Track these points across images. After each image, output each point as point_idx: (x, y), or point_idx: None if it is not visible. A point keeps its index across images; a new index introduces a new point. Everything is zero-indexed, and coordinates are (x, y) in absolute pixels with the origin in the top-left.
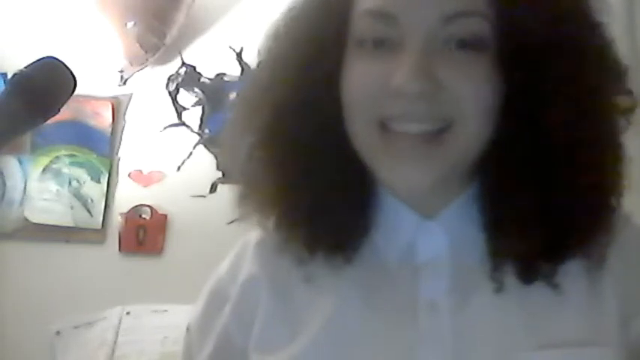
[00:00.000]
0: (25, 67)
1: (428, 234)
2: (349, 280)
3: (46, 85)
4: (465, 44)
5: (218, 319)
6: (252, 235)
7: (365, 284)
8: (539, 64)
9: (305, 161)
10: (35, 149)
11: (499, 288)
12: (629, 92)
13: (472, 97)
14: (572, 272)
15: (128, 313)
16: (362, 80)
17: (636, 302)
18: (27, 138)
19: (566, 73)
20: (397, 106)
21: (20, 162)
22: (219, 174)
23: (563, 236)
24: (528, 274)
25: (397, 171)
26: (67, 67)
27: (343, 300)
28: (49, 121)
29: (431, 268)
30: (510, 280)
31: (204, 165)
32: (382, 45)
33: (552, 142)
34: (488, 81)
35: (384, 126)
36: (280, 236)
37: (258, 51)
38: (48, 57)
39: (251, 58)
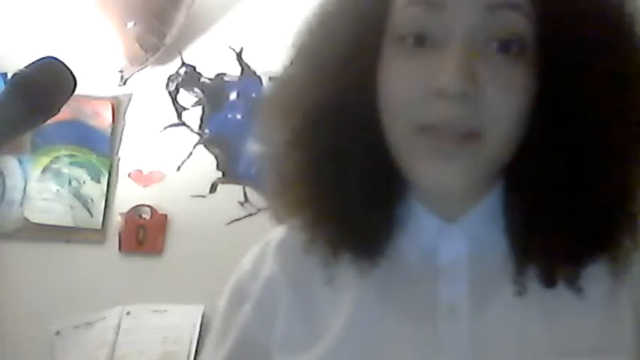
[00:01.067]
0: (25, 67)
1: (449, 238)
2: (370, 282)
3: (46, 85)
4: (506, 45)
5: (238, 315)
6: (273, 234)
7: (386, 287)
8: (579, 67)
9: (338, 164)
10: (35, 149)
11: (521, 291)
12: None
13: (509, 107)
14: (593, 276)
15: (128, 313)
16: (402, 82)
17: None
18: (27, 138)
19: (606, 75)
20: (438, 109)
21: (20, 162)
22: (219, 174)
23: (589, 239)
24: (552, 277)
25: (431, 166)
26: (67, 67)
27: (364, 303)
28: (49, 121)
29: (451, 271)
30: (531, 283)
31: (204, 165)
32: (423, 42)
33: (587, 145)
34: (525, 88)
35: (425, 129)
36: (306, 236)
37: (291, 47)
38: (48, 57)
39: (251, 58)
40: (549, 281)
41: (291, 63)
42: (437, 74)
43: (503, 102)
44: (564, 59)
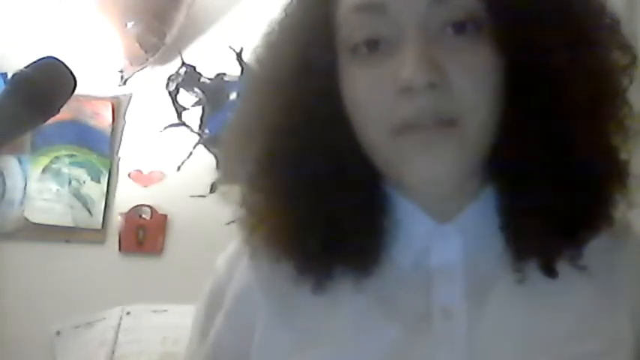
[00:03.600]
0: (25, 67)
1: (443, 238)
2: (365, 289)
3: (46, 85)
4: (461, 27)
5: (215, 321)
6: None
7: (380, 293)
8: (535, 36)
9: (311, 188)
10: (35, 149)
11: (521, 279)
12: (627, 47)
13: (478, 85)
14: (593, 253)
15: (128, 313)
16: (367, 90)
17: None
18: (27, 138)
19: (564, 40)
20: (410, 106)
21: (20, 162)
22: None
23: (586, 216)
24: (553, 267)
25: (416, 162)
26: (67, 67)
27: (359, 310)
28: (49, 121)
29: (445, 273)
30: (530, 281)
31: (204, 165)
32: (376, 47)
33: (562, 113)
34: (489, 65)
35: (403, 129)
36: (294, 265)
37: (244, 81)
38: (48, 57)
39: (251, 58)
40: (550, 272)
41: (246, 96)
42: (399, 73)
43: (472, 82)
44: (520, 30)
